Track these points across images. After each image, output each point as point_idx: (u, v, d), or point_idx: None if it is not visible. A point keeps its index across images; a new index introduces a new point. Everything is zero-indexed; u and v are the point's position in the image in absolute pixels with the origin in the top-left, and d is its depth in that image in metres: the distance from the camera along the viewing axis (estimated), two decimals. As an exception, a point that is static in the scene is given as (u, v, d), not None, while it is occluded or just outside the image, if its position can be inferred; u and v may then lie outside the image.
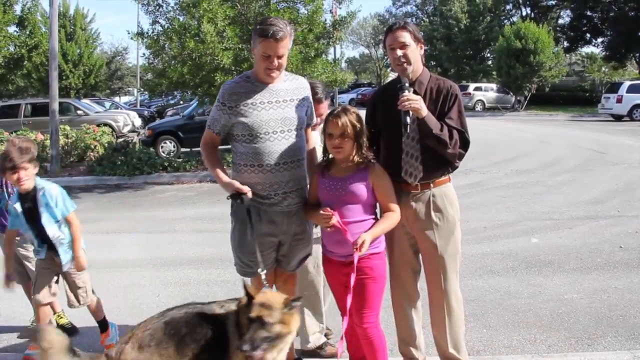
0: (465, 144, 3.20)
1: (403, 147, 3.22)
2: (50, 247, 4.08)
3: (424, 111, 3.08)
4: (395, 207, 3.12)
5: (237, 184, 3.15)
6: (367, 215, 3.12)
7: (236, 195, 3.15)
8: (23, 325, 4.56)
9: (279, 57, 3.15)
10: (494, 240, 6.97)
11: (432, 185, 3.29)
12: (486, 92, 36.15)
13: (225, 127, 3.28)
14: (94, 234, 7.44)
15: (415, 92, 3.19)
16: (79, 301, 4.24)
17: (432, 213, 3.28)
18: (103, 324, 4.39)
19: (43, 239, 4.05)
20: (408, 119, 3.09)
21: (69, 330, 4.70)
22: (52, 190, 4.10)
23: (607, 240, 6.82)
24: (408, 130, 3.12)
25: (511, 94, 35.59)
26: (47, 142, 14.20)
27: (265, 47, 3.11)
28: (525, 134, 20.35)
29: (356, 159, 3.12)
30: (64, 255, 4.09)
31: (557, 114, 31.76)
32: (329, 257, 3.23)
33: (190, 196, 10.97)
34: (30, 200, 4.03)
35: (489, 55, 41.80)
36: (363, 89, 44.01)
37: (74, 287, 4.19)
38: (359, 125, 3.07)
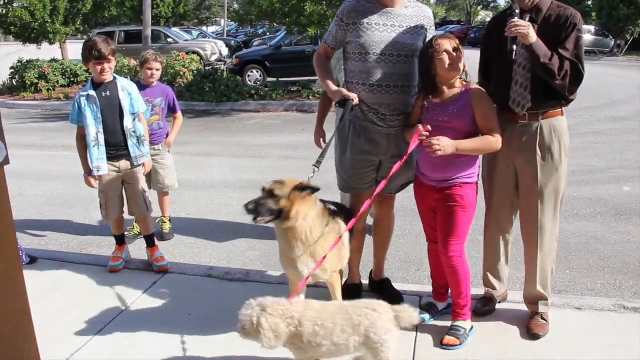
0: (578, 76, 3.03)
1: (513, 75, 3.11)
2: (115, 147, 4.14)
3: (532, 38, 2.94)
4: (496, 131, 3.04)
5: (344, 91, 3.24)
6: None
7: (344, 102, 3.23)
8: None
9: None
10: (582, 185, 6.75)
11: (540, 117, 3.17)
12: (586, 34, 34.09)
13: (340, 42, 3.39)
14: (184, 155, 7.80)
15: (532, 19, 3.06)
16: (147, 207, 4.38)
17: (537, 146, 3.18)
18: (152, 239, 4.48)
19: (109, 137, 4.11)
20: (514, 46, 2.99)
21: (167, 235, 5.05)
22: (131, 83, 4.29)
23: None
24: (513, 57, 3.02)
25: (611, 37, 33.34)
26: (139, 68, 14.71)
27: None
28: (623, 80, 19.17)
29: (458, 83, 3.10)
30: (133, 149, 4.20)
31: (661, 61, 29.61)
32: (422, 181, 3.25)
33: (276, 124, 11.19)
34: (109, 89, 4.12)
35: (589, -6, 39.13)
36: (452, 26, 42.49)
37: (140, 193, 4.31)
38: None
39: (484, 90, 3.12)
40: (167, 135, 5.14)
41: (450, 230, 3.13)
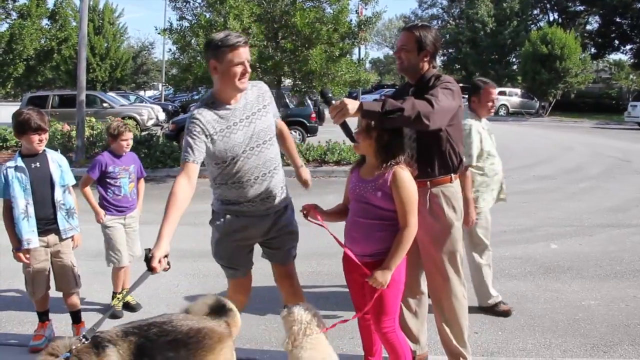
0: (429, 103, 2.97)
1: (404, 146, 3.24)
2: (43, 220, 4.04)
3: (353, 108, 2.87)
4: (409, 220, 2.99)
5: (156, 259, 2.75)
6: (388, 220, 3.06)
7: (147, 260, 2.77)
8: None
9: (248, 61, 3.19)
10: (512, 244, 6.95)
11: (429, 184, 3.33)
12: (510, 96, 35.83)
13: (203, 154, 3.20)
14: (117, 224, 7.55)
15: (416, 89, 3.29)
16: (77, 283, 4.26)
17: (427, 212, 3.35)
18: (78, 316, 4.35)
19: (38, 210, 4.01)
20: (352, 129, 3.06)
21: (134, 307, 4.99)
22: (61, 157, 4.23)
23: (627, 249, 6.77)
24: (356, 141, 3.07)
25: (535, 99, 35.26)
26: (73, 133, 14.42)
27: (236, 55, 3.11)
28: (548, 140, 20.18)
29: (379, 161, 3.05)
30: (62, 222, 4.10)
31: (581, 121, 31.42)
32: (346, 252, 3.21)
33: (211, 190, 10.92)
34: (39, 160, 4.04)
35: (514, 59, 41.39)
36: (386, 89, 43.86)
37: (69, 268, 4.19)
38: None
39: (406, 173, 3.02)
40: None
41: (379, 309, 3.11)
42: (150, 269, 2.72)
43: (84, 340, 2.51)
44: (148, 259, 2.73)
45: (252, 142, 3.27)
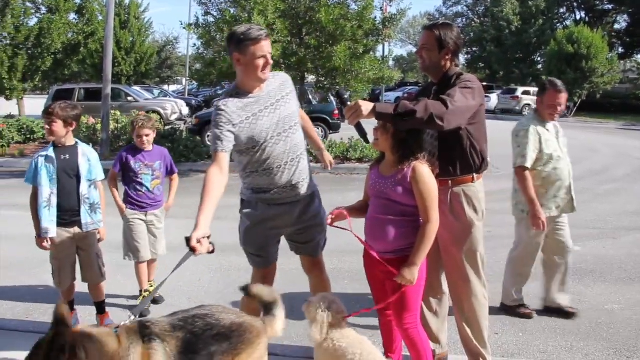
0: (443, 103, 2.98)
1: (424, 144, 3.25)
2: (69, 212, 4.11)
3: (367, 109, 2.92)
4: (431, 215, 3.00)
5: (194, 240, 2.80)
6: (409, 216, 3.07)
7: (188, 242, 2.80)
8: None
9: (270, 53, 3.24)
10: (535, 245, 6.86)
11: (450, 182, 3.33)
12: (535, 96, 35.33)
13: (232, 143, 3.22)
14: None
15: (439, 88, 3.28)
16: (102, 274, 4.33)
17: (448, 210, 3.34)
18: (102, 307, 4.43)
19: (63, 201, 4.07)
20: (366, 130, 3.13)
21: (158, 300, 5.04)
22: (92, 151, 4.29)
23: (653, 253, 6.66)
24: (370, 141, 3.16)
25: (560, 99, 34.75)
26: (98, 126, 14.59)
27: (259, 49, 3.17)
28: (573, 140, 19.72)
29: (397, 157, 3.07)
30: (84, 216, 4.15)
31: (607, 121, 30.91)
32: (368, 250, 3.22)
33: (234, 185, 10.72)
34: (69, 152, 4.11)
35: (539, 59, 40.87)
36: (410, 87, 43.71)
37: (94, 259, 4.26)
38: None
39: (425, 169, 3.04)
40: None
41: (401, 306, 3.12)
42: (191, 249, 2.75)
43: (132, 318, 2.57)
44: (187, 240, 2.77)
45: (279, 127, 3.30)
